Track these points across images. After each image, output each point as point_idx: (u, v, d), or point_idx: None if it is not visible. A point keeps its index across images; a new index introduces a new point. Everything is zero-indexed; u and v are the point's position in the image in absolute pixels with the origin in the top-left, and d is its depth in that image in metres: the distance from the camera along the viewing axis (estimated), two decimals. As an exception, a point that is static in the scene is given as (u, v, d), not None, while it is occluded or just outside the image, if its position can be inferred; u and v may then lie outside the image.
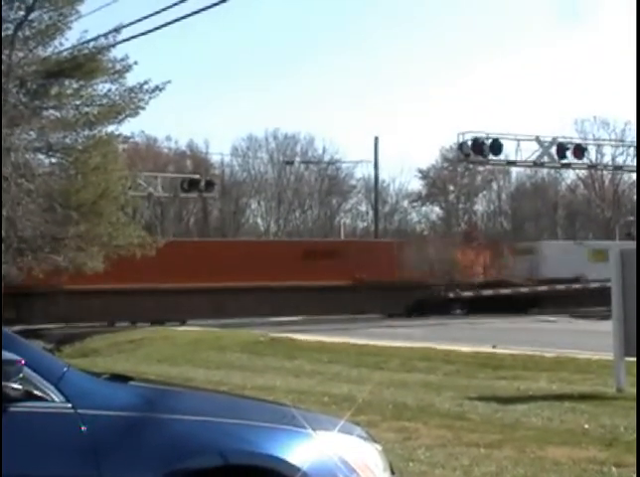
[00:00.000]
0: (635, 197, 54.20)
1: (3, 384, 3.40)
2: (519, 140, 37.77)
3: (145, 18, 18.06)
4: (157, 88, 25.75)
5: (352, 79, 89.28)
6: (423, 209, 70.40)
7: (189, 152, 65.57)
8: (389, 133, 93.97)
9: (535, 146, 38.06)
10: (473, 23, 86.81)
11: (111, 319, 34.06)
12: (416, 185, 70.46)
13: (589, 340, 19.53)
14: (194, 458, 3.52)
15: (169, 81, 26.16)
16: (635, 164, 42.39)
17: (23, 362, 3.44)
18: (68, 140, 25.78)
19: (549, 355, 16.36)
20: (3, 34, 24.09)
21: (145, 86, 25.64)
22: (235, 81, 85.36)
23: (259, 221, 67.65)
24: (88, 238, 25.63)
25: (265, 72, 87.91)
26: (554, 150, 37.98)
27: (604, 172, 56.81)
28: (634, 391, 10.51)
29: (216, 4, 15.80)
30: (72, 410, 3.50)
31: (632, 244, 18.02)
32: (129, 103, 25.78)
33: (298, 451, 3.65)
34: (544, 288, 39.66)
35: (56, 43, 25.27)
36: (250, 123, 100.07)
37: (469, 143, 36.08)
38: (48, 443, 3.44)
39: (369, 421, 8.66)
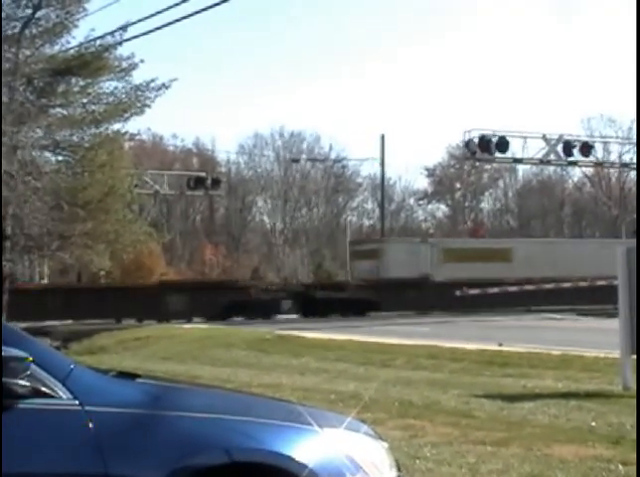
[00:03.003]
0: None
1: (11, 380, 3.41)
2: (525, 138, 37.73)
3: (151, 16, 18.09)
4: (163, 86, 25.83)
5: (358, 76, 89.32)
6: (430, 207, 70.50)
7: (195, 150, 65.67)
8: (395, 131, 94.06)
9: (541, 144, 38.04)
10: (479, 21, 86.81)
11: None
12: (423, 183, 70.57)
13: (595, 338, 19.50)
14: (200, 455, 3.52)
15: (175, 79, 26.24)
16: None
17: (30, 359, 3.45)
18: (74, 138, 25.87)
19: (555, 352, 16.34)
20: (10, 32, 24.16)
21: (151, 84, 25.71)
22: (241, 79, 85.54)
23: (266, 218, 67.77)
24: (95, 235, 25.71)
25: (271, 69, 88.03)
26: (560, 148, 37.95)
27: (611, 170, 56.72)
28: None
29: (220, 2, 15.81)
30: (79, 407, 3.51)
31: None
32: (135, 101, 25.85)
33: (305, 448, 3.65)
34: None
35: (62, 41, 25.39)
36: (257, 121, 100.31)
37: (475, 141, 36.06)
38: (55, 440, 3.45)
39: (375, 419, 8.65)
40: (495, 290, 39.72)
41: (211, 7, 16.24)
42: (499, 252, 41.16)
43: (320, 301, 37.07)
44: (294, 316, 36.48)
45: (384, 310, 36.92)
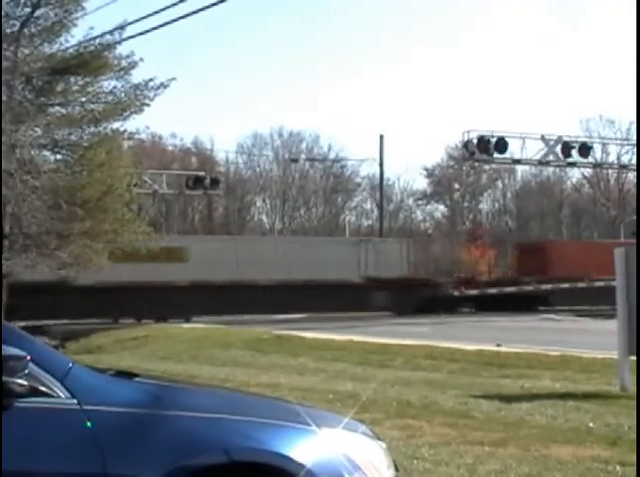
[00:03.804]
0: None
1: (9, 379, 3.41)
2: (524, 138, 37.74)
3: (151, 15, 18.07)
4: (162, 85, 25.74)
5: (357, 76, 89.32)
6: (428, 207, 70.51)
7: (194, 149, 65.64)
8: (394, 131, 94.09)
9: (540, 145, 38.05)
10: (478, 21, 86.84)
11: None
12: (422, 183, 70.61)
13: (593, 339, 19.52)
14: (199, 455, 3.52)
15: (174, 78, 26.16)
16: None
17: (29, 357, 3.45)
18: (73, 137, 25.80)
19: (553, 353, 16.34)
20: (9, 30, 24.13)
21: (150, 83, 25.64)
22: (240, 79, 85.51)
23: (264, 218, 67.79)
24: (94, 234, 25.65)
25: (271, 69, 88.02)
26: (559, 149, 37.97)
27: (609, 171, 56.78)
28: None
29: (220, 2, 15.79)
30: (77, 406, 3.51)
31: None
32: (134, 100, 25.79)
33: (303, 448, 3.65)
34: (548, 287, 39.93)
35: (61, 40, 25.28)
36: (256, 121, 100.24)
37: (474, 141, 36.06)
38: (53, 439, 3.45)
39: (373, 419, 8.65)
40: (494, 291, 39.78)
41: (210, 6, 16.22)
42: (171, 252, 36.34)
43: None
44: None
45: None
